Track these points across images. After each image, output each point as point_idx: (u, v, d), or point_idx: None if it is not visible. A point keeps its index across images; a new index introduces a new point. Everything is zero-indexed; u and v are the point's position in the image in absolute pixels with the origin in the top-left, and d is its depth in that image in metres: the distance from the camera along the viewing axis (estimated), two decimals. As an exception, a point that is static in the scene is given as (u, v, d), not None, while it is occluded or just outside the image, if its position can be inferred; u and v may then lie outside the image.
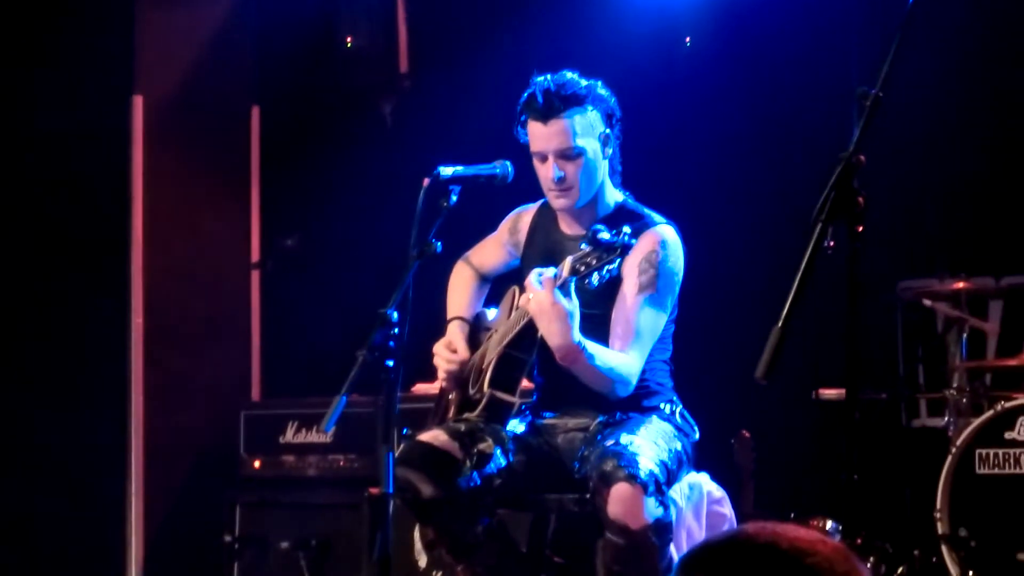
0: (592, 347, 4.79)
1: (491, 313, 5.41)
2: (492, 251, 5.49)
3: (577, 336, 4.71)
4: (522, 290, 5.10)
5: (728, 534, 2.09)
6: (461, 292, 5.50)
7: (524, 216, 5.37)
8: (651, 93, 7.41)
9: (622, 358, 4.90)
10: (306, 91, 8.37)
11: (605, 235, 4.55)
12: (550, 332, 4.75)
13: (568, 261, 4.64)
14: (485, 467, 4.98)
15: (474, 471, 4.95)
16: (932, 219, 7.49)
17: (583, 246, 4.61)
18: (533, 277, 4.73)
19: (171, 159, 7.87)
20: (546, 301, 4.67)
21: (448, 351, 5.26)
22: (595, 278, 4.59)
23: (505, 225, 5.44)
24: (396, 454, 4.58)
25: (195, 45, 8.08)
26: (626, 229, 4.57)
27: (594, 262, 4.57)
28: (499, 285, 5.51)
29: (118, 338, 7.68)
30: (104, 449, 7.64)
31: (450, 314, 5.44)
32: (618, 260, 4.57)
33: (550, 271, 4.71)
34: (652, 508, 4.68)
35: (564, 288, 4.67)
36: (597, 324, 4.94)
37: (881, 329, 7.37)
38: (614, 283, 4.85)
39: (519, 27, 7.79)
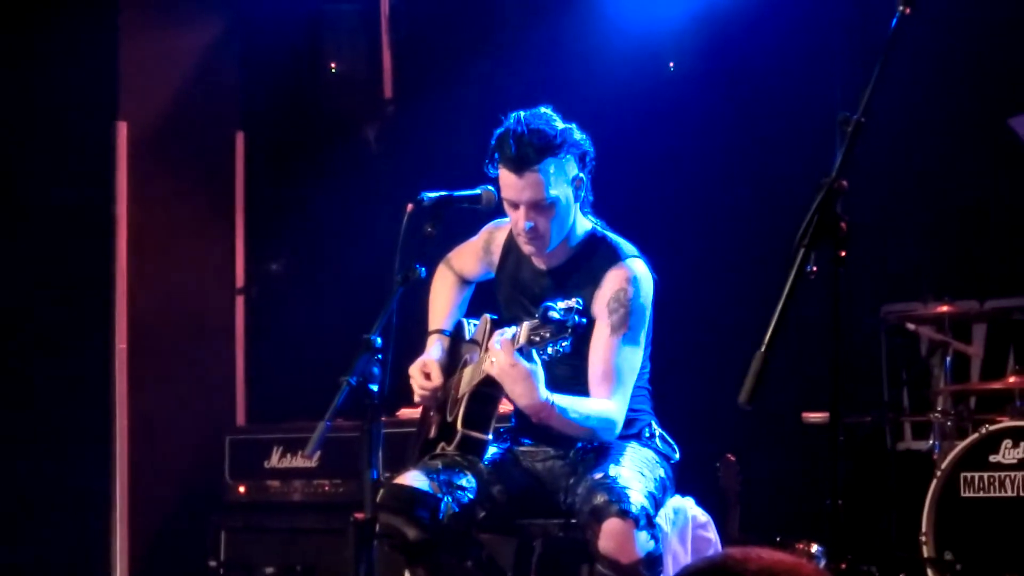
0: (563, 401, 4.77)
1: (470, 325, 5.39)
2: (470, 261, 5.46)
3: (544, 393, 4.70)
4: (495, 320, 5.13)
5: (714, 559, 2.09)
6: (443, 300, 5.46)
7: (497, 235, 5.34)
8: (634, 117, 7.43)
9: (601, 405, 4.88)
10: (290, 117, 8.38)
11: (555, 314, 4.53)
12: (515, 394, 4.75)
13: (525, 329, 4.64)
14: (462, 497, 4.96)
15: (453, 503, 4.93)
16: (916, 243, 7.50)
17: (538, 315, 4.61)
18: (495, 340, 4.73)
19: (156, 185, 7.87)
20: (506, 364, 4.66)
21: (422, 376, 5.24)
22: (550, 350, 4.61)
23: (481, 240, 5.40)
24: (376, 499, 4.58)
25: (179, 71, 8.09)
26: (577, 307, 4.54)
27: (548, 336, 4.57)
28: (482, 288, 5.50)
29: (102, 363, 7.66)
30: (89, 474, 7.62)
31: (431, 325, 5.42)
32: (569, 339, 4.57)
33: (509, 332, 4.71)
34: (643, 542, 4.67)
35: (523, 351, 4.67)
36: (571, 364, 4.95)
37: (865, 352, 7.38)
38: (586, 323, 4.85)
39: (503, 52, 7.82)
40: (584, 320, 4.58)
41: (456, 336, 5.38)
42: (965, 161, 7.48)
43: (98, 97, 7.74)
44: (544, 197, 4.91)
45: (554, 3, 7.93)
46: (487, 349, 4.85)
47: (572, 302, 4.56)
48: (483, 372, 4.90)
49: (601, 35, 7.81)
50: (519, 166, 4.89)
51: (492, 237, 5.35)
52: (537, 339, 4.59)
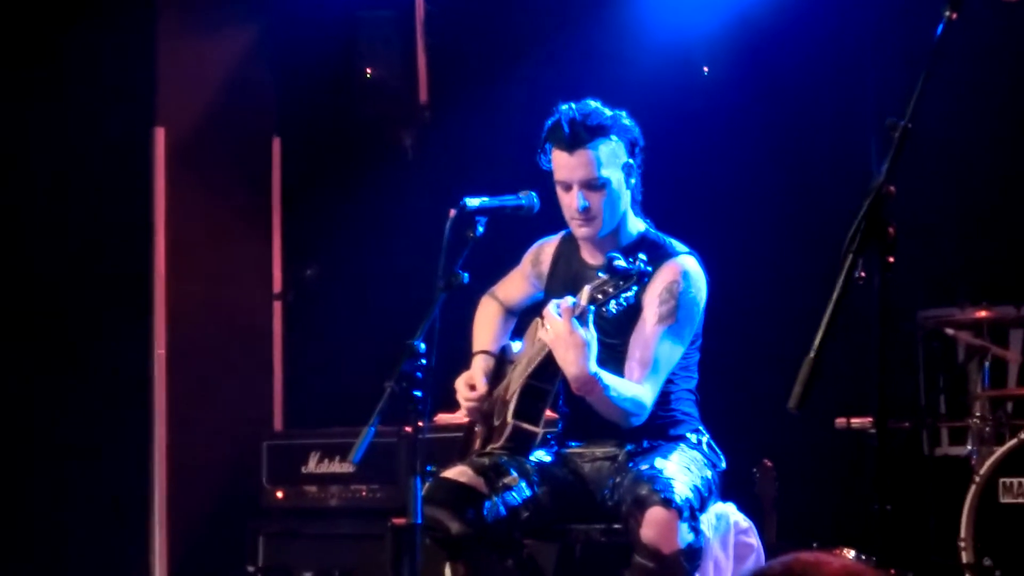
0: (608, 378, 4.80)
1: (516, 346, 5.42)
2: (516, 284, 5.51)
3: (593, 367, 4.73)
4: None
5: (787, 562, 2.08)
6: (487, 326, 5.52)
7: (546, 248, 5.40)
8: (669, 121, 7.40)
9: (637, 389, 4.91)
10: (326, 122, 8.38)
11: (621, 263, 4.61)
12: (566, 361, 4.76)
13: (586, 290, 4.69)
14: (511, 500, 4.99)
15: (500, 504, 4.96)
16: (953, 248, 7.49)
17: (600, 274, 4.66)
18: (551, 307, 4.77)
19: (193, 190, 7.90)
20: (563, 330, 4.70)
21: (467, 388, 5.27)
22: (613, 306, 4.66)
23: (528, 257, 5.46)
24: (423, 490, 4.59)
25: (216, 77, 8.12)
26: (642, 256, 4.63)
27: (611, 290, 4.62)
28: (525, 318, 5.51)
29: (141, 369, 7.70)
30: (128, 480, 7.65)
31: (475, 348, 5.45)
32: (635, 288, 4.64)
33: (568, 300, 4.74)
34: (685, 533, 4.70)
35: (582, 318, 4.69)
36: (616, 353, 4.97)
37: (902, 358, 7.36)
38: (634, 312, 4.89)
39: (538, 57, 7.82)
40: (650, 268, 4.64)
41: (501, 358, 5.41)
42: (1002, 165, 7.46)
43: (136, 103, 7.78)
44: (596, 176, 5.00)
45: (588, 8, 7.94)
46: (543, 317, 4.89)
47: (638, 255, 4.62)
48: (538, 344, 4.95)
49: (635, 39, 7.81)
50: (572, 145, 5.00)
51: (540, 250, 5.42)
52: (600, 296, 4.65)
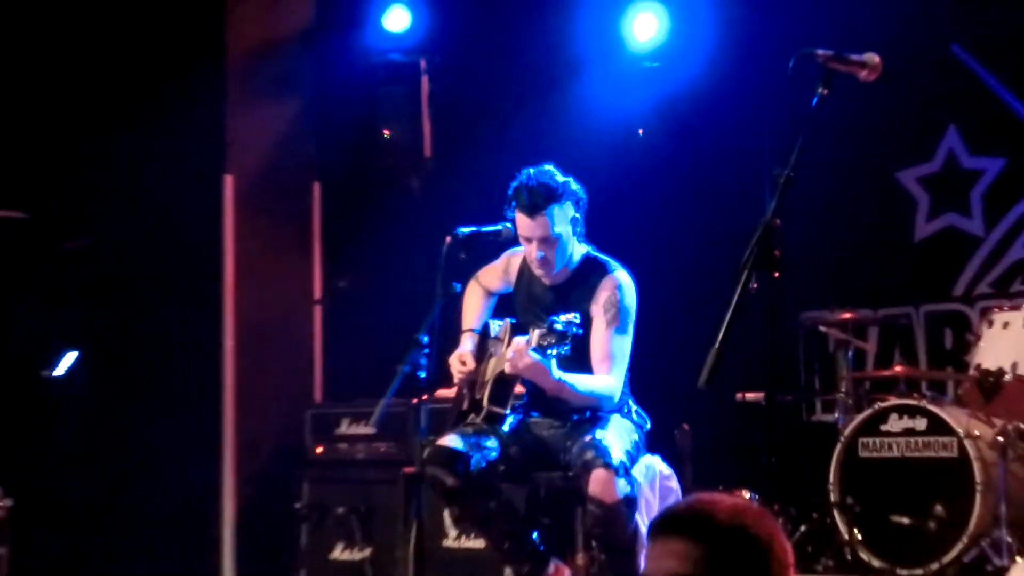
0: (572, 378, 4.87)
1: (495, 325, 5.42)
2: (493, 278, 5.53)
3: (557, 374, 4.80)
4: (515, 324, 5.17)
5: (690, 502, 2.08)
6: (473, 307, 5.52)
7: (514, 260, 5.40)
8: (613, 170, 7.44)
9: (602, 379, 4.96)
10: (354, 170, 8.39)
11: (559, 326, 4.64)
12: (538, 382, 4.89)
13: (535, 335, 4.74)
14: (490, 457, 5.02)
15: (482, 461, 4.99)
16: (825, 265, 7.51)
17: (545, 326, 4.68)
18: (512, 347, 4.81)
19: (254, 222, 7.87)
20: (529, 362, 4.75)
21: (459, 363, 5.29)
22: (552, 352, 4.71)
23: (501, 264, 5.47)
24: (423, 455, 4.65)
25: (271, 135, 8.10)
26: (575, 320, 4.64)
27: (554, 341, 4.67)
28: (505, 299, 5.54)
29: (214, 357, 7.68)
30: (202, 444, 7.64)
31: (464, 326, 5.47)
32: (569, 345, 4.67)
33: (523, 339, 4.79)
34: (622, 487, 4.73)
35: (535, 349, 4.73)
36: (580, 357, 4.99)
37: (787, 348, 7.37)
38: (586, 322, 4.90)
39: (517, 122, 7.83)
40: (581, 331, 4.67)
41: (483, 334, 5.42)
42: (861, 203, 7.50)
43: (209, 155, 7.76)
44: (551, 235, 5.00)
45: (554, 90, 7.96)
46: (508, 346, 4.92)
47: (572, 316, 4.65)
48: (503, 367, 4.96)
49: (589, 110, 7.82)
50: (531, 211, 4.98)
51: (510, 261, 5.42)
52: (544, 343, 4.68)
